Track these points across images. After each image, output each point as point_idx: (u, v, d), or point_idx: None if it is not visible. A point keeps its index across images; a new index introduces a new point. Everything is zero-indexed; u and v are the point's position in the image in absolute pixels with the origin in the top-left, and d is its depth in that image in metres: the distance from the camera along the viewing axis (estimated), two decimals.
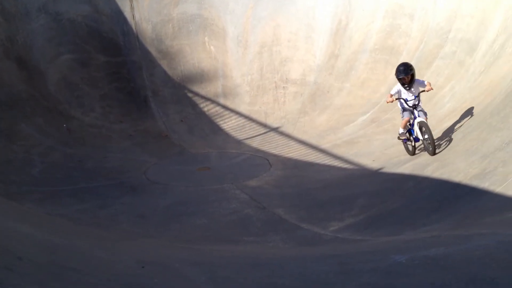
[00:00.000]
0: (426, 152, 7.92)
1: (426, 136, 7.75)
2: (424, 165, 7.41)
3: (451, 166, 6.89)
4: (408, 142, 8.33)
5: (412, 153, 8.22)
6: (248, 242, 6.00)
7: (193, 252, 5.04)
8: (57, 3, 11.79)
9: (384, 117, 9.98)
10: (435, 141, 7.89)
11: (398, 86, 8.11)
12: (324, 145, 9.78)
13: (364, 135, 9.74)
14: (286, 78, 12.04)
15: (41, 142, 9.09)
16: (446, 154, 7.46)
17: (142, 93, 11.77)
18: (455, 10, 10.25)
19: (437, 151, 7.70)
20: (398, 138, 8.42)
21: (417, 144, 8.19)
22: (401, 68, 8.06)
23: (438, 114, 9.13)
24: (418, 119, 7.86)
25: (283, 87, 11.97)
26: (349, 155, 9.05)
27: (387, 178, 7.71)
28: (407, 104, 8.03)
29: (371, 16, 11.56)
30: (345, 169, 8.64)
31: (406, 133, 8.16)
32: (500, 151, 6.35)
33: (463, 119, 8.27)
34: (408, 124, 8.09)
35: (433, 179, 6.85)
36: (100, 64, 11.78)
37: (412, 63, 10.33)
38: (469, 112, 8.29)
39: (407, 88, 7.99)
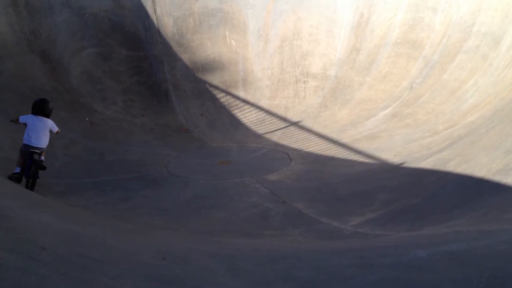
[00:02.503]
0: (448, 147, 7.82)
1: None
2: (447, 160, 7.30)
3: (474, 161, 6.78)
4: None
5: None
6: (267, 235, 6.00)
7: (213, 245, 5.06)
8: None
9: (405, 112, 9.88)
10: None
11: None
12: (345, 139, 9.72)
13: (385, 130, 9.65)
14: (307, 72, 11.99)
15: (64, 135, 9.19)
16: (469, 149, 7.35)
17: (163, 87, 11.85)
18: (479, 3, 10.07)
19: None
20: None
21: None
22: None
23: (461, 108, 9.00)
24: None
25: (304, 81, 11.92)
26: (370, 150, 8.98)
27: (408, 173, 7.63)
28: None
29: (394, 9, 11.42)
30: (365, 163, 8.58)
31: None
32: None
33: (486, 113, 8.14)
34: None
35: (456, 174, 6.75)
36: (122, 58, 11.89)
37: (435, 57, 10.29)
38: (492, 107, 8.16)
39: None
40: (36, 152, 7.25)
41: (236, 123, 11.15)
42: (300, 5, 12.45)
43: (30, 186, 7.12)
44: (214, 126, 11.09)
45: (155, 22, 12.52)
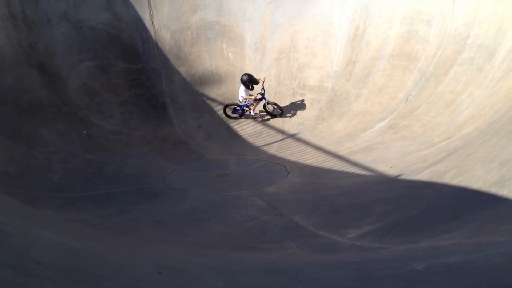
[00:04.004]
0: (444, 159, 7.86)
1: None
2: (443, 172, 7.33)
3: (470, 173, 6.81)
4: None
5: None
6: (265, 248, 6.00)
7: (211, 258, 5.06)
8: (78, 11, 12.01)
9: (402, 124, 9.92)
10: None
11: (243, 87, 11.54)
12: (342, 151, 9.75)
13: (382, 142, 9.69)
14: (304, 85, 12.05)
15: (62, 148, 9.23)
16: (464, 161, 7.38)
17: (161, 100, 11.90)
18: (473, 15, 10.16)
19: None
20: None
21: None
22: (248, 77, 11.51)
23: (456, 120, 9.05)
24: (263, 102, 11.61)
25: (301, 93, 11.99)
26: (367, 162, 9.01)
27: (405, 185, 7.65)
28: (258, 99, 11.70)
29: (389, 22, 11.51)
30: (362, 176, 8.60)
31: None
32: None
33: (481, 125, 8.18)
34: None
35: (452, 186, 6.78)
36: (120, 70, 11.95)
37: (430, 69, 10.36)
38: (487, 119, 8.20)
39: (251, 89, 11.66)
40: None
41: (234, 136, 11.19)
42: (297, 18, 12.55)
43: None
44: (211, 138, 11.13)
45: (153, 35, 12.61)
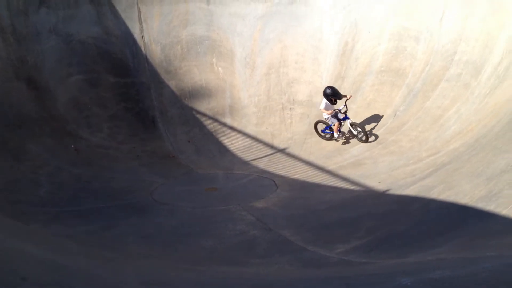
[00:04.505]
0: (432, 174, 7.91)
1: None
2: (430, 187, 7.38)
3: (457, 188, 6.86)
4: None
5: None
6: (253, 264, 5.98)
7: (199, 274, 5.03)
8: (68, 25, 12.00)
9: (390, 139, 9.99)
10: None
11: (325, 101, 10.59)
12: (331, 166, 9.78)
13: (370, 157, 9.74)
14: (293, 99, 12.11)
15: (49, 162, 9.15)
16: (452, 176, 7.44)
17: (150, 114, 11.88)
18: (460, 33, 10.31)
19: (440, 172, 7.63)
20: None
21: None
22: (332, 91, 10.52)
23: (444, 136, 9.13)
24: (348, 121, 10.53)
25: (290, 108, 12.04)
26: (355, 177, 9.05)
27: (394, 200, 7.68)
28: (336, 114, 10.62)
29: (377, 38, 11.65)
30: (351, 190, 8.63)
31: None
32: (506, 173, 6.32)
33: (468, 141, 8.26)
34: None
35: (439, 201, 6.81)
36: (109, 84, 11.93)
37: (418, 85, 10.45)
38: (474, 134, 8.29)
39: (334, 103, 10.64)
40: None
41: (223, 150, 11.18)
42: (286, 33, 12.66)
43: None
44: (201, 152, 11.11)
45: (143, 49, 12.62)
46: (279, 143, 11.27)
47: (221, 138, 11.62)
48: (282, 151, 10.96)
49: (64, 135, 10.59)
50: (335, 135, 10.73)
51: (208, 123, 11.96)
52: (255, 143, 11.39)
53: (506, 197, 5.86)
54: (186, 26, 12.93)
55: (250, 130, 11.76)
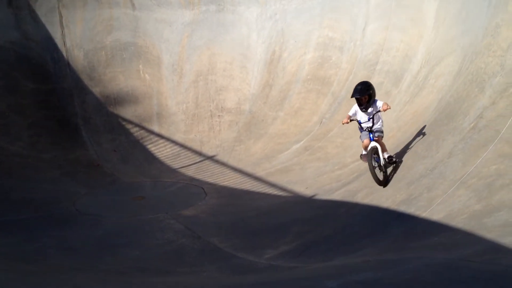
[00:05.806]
0: (356, 179, 8.15)
1: (377, 163, 7.33)
2: (354, 192, 7.63)
3: (380, 193, 7.13)
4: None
5: (379, 182, 7.28)
6: (182, 272, 5.89)
7: (125, 285, 4.88)
8: None
9: (317, 145, 10.23)
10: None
11: (356, 106, 7.60)
12: (259, 173, 9.86)
13: (298, 163, 9.92)
14: (222, 107, 12.12)
15: None
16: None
17: (73, 121, 11.43)
18: (381, 44, 10.78)
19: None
20: (360, 158, 7.98)
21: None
22: (358, 87, 7.49)
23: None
24: (371, 144, 7.37)
25: (219, 115, 12.04)
26: (283, 183, 9.17)
27: (320, 205, 7.86)
28: (361, 126, 7.57)
29: (303, 47, 11.93)
30: (279, 196, 8.73)
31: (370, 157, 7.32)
32: (425, 178, 6.65)
33: (389, 147, 8.59)
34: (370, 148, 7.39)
35: (364, 205, 7.05)
36: (28, 91, 11.37)
37: (342, 93, 10.75)
38: (396, 140, 8.65)
39: (364, 109, 7.50)
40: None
41: (150, 158, 10.97)
42: (214, 41, 12.68)
43: None
44: (127, 161, 10.83)
45: (65, 55, 12.17)
46: (207, 150, 11.23)
47: (149, 146, 11.40)
48: (210, 158, 10.92)
49: None
50: (382, 156, 7.48)
51: (135, 131, 11.69)
52: (183, 150, 11.28)
53: (425, 201, 6.17)
54: (111, 32, 12.61)
55: (178, 137, 11.62)
